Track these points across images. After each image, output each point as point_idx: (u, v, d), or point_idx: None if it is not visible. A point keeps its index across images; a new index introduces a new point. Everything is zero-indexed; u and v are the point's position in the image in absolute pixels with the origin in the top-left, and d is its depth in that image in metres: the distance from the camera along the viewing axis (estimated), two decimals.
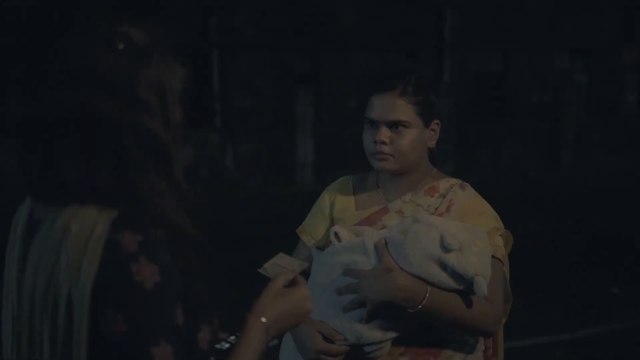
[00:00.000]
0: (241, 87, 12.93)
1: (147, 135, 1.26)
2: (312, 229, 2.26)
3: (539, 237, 8.90)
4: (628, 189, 12.57)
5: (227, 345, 1.37)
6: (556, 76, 16.05)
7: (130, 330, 1.19)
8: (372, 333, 2.00)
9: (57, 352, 1.22)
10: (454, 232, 1.95)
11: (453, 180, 2.20)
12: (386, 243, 2.01)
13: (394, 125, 2.12)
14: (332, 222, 2.23)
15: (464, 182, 2.20)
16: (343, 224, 2.16)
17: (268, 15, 13.07)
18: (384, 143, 2.12)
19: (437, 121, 2.17)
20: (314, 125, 13.59)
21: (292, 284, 1.45)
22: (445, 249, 1.93)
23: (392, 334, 2.01)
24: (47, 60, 1.28)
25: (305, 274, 2.24)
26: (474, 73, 15.11)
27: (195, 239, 1.29)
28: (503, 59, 15.56)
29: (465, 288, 1.97)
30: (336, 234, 2.08)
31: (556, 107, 16.01)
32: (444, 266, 1.94)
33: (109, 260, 1.19)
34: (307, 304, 1.44)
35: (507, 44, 15.37)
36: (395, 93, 2.12)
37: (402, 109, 2.12)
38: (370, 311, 1.99)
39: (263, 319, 1.38)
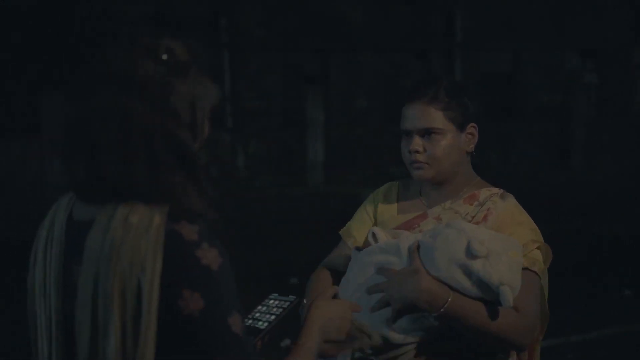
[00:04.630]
0: (251, 88, 12.94)
1: (175, 141, 1.38)
2: (355, 230, 2.29)
3: (549, 238, 8.87)
4: (639, 190, 12.51)
5: (249, 322, 1.57)
6: (566, 76, 16.00)
7: (208, 306, 1.35)
8: (396, 335, 2.00)
9: (126, 340, 1.34)
10: (484, 240, 1.95)
11: (495, 190, 2.20)
12: (419, 246, 2.01)
13: (426, 133, 2.13)
14: (375, 225, 2.25)
15: (506, 192, 2.21)
16: (383, 227, 2.18)
17: (278, 16, 13.07)
18: (417, 152, 2.14)
19: (473, 124, 2.18)
20: (324, 125, 13.59)
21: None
22: (472, 255, 1.93)
23: (415, 338, 2.01)
24: (93, 64, 1.38)
25: (340, 273, 2.26)
26: (483, 73, 15.08)
27: (220, 232, 1.42)
28: (512, 59, 15.52)
29: (491, 297, 1.95)
30: (374, 235, 2.10)
31: (566, 107, 15.96)
32: (468, 273, 1.94)
33: (175, 249, 1.34)
34: (348, 314, 1.61)
35: (517, 44, 15.33)
36: (424, 101, 2.13)
37: (432, 116, 2.12)
38: (395, 311, 1.98)
39: (310, 345, 1.54)
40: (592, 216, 10.52)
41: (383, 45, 13.92)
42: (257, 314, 1.61)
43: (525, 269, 2.01)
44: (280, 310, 1.59)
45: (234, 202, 10.73)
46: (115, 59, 1.38)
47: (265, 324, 1.57)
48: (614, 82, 16.45)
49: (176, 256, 1.34)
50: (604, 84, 16.38)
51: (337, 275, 2.24)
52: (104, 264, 1.35)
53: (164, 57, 1.39)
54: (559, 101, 15.90)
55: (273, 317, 1.58)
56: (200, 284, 1.35)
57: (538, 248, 2.11)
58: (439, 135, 2.11)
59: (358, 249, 2.21)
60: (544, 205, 11.44)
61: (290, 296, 1.64)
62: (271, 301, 1.62)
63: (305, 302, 2.03)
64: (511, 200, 2.18)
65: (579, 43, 16.07)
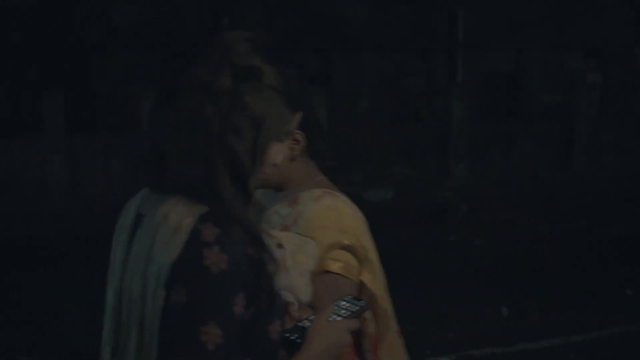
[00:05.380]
0: None
1: (230, 153, 1.47)
2: None
3: (551, 238, 8.87)
4: None
5: (308, 323, 1.57)
6: (568, 76, 16.00)
7: (189, 304, 1.38)
8: None
9: (145, 319, 1.44)
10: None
11: (316, 191, 2.14)
12: None
13: None
14: None
15: (329, 193, 2.14)
16: None
17: (278, 16, 13.08)
18: None
19: (296, 132, 2.11)
20: (327, 125, 13.59)
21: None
22: None
23: None
24: (183, 71, 1.50)
25: None
26: (486, 73, 15.08)
27: (261, 239, 1.48)
28: (515, 59, 15.52)
29: None
30: None
31: (569, 107, 15.95)
32: None
33: (189, 245, 1.40)
34: (344, 336, 1.59)
35: (520, 44, 15.33)
36: None
37: None
38: None
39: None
40: (594, 216, 10.51)
41: (385, 45, 13.92)
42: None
43: (326, 272, 1.98)
44: (349, 313, 1.63)
45: None
46: (202, 70, 1.48)
47: None
48: (617, 82, 16.43)
49: (188, 252, 1.40)
50: (606, 84, 16.36)
51: None
52: (140, 257, 1.46)
53: (246, 75, 1.48)
54: (561, 101, 15.89)
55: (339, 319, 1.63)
56: (192, 280, 1.39)
57: (345, 249, 2.04)
58: None
59: None
60: (546, 205, 11.43)
61: (361, 301, 1.69)
62: (343, 302, 1.67)
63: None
64: (325, 202, 2.10)
65: (582, 43, 16.05)
